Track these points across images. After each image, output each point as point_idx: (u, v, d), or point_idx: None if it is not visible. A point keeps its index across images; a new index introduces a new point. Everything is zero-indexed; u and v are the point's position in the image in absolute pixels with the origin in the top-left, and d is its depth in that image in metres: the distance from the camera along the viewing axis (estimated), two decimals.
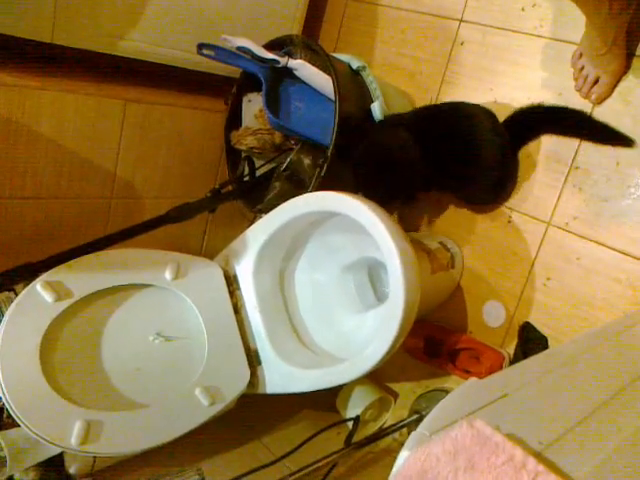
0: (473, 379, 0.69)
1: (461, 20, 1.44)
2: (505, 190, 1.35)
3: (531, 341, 1.29)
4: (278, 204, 1.26)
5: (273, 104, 1.34)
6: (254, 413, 1.42)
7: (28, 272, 1.08)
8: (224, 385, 1.22)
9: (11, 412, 0.97)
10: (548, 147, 1.28)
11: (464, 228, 1.43)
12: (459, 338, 1.39)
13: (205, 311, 1.26)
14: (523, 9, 1.33)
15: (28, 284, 1.06)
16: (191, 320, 1.25)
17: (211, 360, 1.23)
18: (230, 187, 1.42)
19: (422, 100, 1.52)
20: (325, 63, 1.31)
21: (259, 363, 1.30)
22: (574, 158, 1.24)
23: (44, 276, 1.08)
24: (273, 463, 1.22)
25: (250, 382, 1.27)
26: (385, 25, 1.61)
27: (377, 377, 1.53)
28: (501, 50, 1.37)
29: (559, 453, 0.54)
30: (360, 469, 1.35)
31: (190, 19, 1.38)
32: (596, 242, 1.22)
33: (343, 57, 1.40)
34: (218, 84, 1.51)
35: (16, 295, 1.07)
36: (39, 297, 1.06)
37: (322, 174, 1.27)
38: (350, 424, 1.40)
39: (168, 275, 1.23)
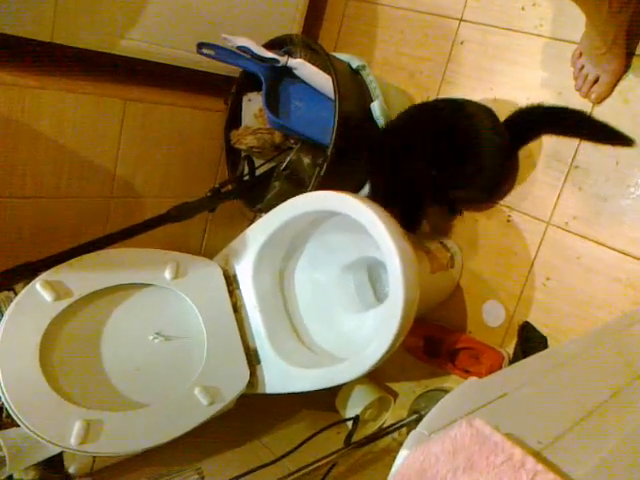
0: (472, 379, 0.69)
1: (461, 19, 1.44)
2: (501, 189, 1.34)
3: (531, 340, 1.29)
4: (278, 203, 1.26)
5: (273, 103, 1.34)
6: (254, 413, 1.42)
7: (28, 271, 1.08)
8: (224, 385, 1.22)
9: (10, 412, 0.97)
10: (548, 146, 1.28)
11: (463, 228, 1.43)
12: (459, 338, 1.39)
13: (205, 311, 1.26)
14: (523, 8, 1.33)
15: (28, 283, 1.06)
16: (191, 320, 1.25)
17: (211, 360, 1.23)
18: (230, 186, 1.42)
19: (422, 99, 1.51)
20: (325, 62, 1.31)
21: (258, 363, 1.30)
22: (574, 157, 1.24)
23: (44, 275, 1.08)
24: (273, 462, 1.22)
25: (250, 382, 1.27)
26: (385, 24, 1.61)
27: (377, 377, 1.53)
28: (501, 49, 1.37)
29: (558, 452, 0.54)
30: (360, 469, 1.35)
31: (190, 18, 1.38)
32: (596, 242, 1.22)
33: (343, 56, 1.40)
34: (218, 83, 1.51)
35: (16, 294, 1.07)
36: (39, 296, 1.06)
37: (322, 173, 1.27)
38: (350, 424, 1.40)
39: (168, 274, 1.23)
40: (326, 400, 1.51)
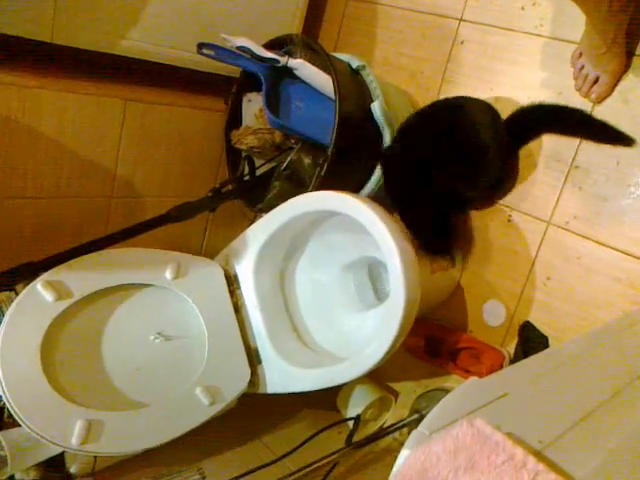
0: (473, 378, 0.69)
1: (461, 19, 1.44)
2: (502, 188, 1.35)
3: (531, 340, 1.29)
4: (278, 203, 1.27)
5: (273, 103, 1.34)
6: (255, 412, 1.42)
7: (29, 272, 1.09)
8: (224, 384, 1.22)
9: (12, 412, 0.97)
10: (548, 146, 1.28)
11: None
12: (459, 337, 1.39)
13: (205, 310, 1.26)
14: (523, 8, 1.33)
15: (29, 284, 1.06)
16: (191, 320, 1.25)
17: (211, 359, 1.23)
18: (230, 186, 1.42)
19: (422, 99, 1.52)
20: (325, 62, 1.31)
21: (259, 362, 1.30)
22: (574, 157, 1.24)
23: (44, 275, 1.08)
24: (274, 462, 1.22)
25: (250, 381, 1.27)
26: (385, 24, 1.61)
27: (378, 376, 1.53)
28: (501, 49, 1.37)
29: (559, 452, 0.54)
30: (361, 468, 1.35)
31: (190, 18, 1.38)
32: (596, 241, 1.22)
33: (343, 56, 1.40)
34: (218, 83, 1.51)
35: (17, 295, 1.07)
36: (40, 297, 1.06)
37: (322, 173, 1.27)
38: (351, 423, 1.40)
39: (168, 275, 1.23)
40: (327, 400, 1.51)
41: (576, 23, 1.20)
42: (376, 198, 1.27)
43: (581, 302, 1.24)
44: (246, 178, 1.46)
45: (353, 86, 1.34)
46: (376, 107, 1.32)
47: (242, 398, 1.27)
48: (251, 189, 1.43)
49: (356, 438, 1.32)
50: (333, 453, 1.16)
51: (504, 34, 1.36)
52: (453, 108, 1.28)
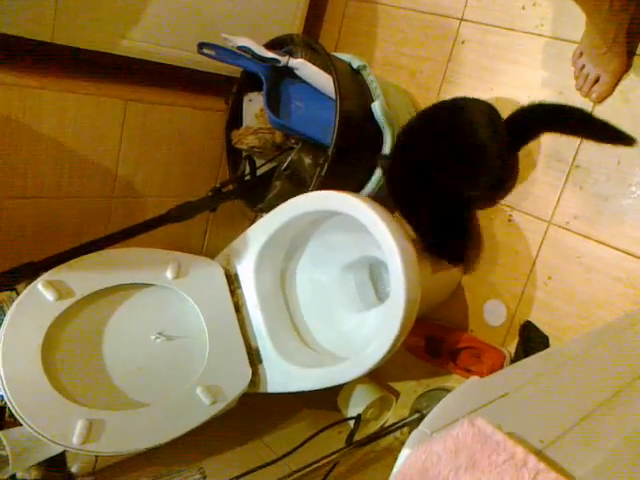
0: (474, 378, 0.69)
1: (462, 19, 1.44)
2: (503, 188, 1.35)
3: (532, 340, 1.29)
4: (279, 203, 1.27)
5: (274, 103, 1.34)
6: (255, 412, 1.42)
7: (30, 271, 1.09)
8: (225, 384, 1.23)
9: (13, 411, 0.97)
10: (549, 146, 1.28)
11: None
12: (460, 337, 1.39)
13: (206, 310, 1.26)
14: (524, 8, 1.33)
15: (30, 283, 1.06)
16: (192, 319, 1.25)
17: (212, 359, 1.23)
18: (231, 186, 1.42)
19: (423, 99, 1.52)
20: (326, 62, 1.31)
21: (260, 362, 1.30)
22: (575, 157, 1.24)
23: (45, 275, 1.08)
24: (274, 462, 1.22)
25: (251, 381, 1.27)
26: (385, 24, 1.61)
27: (378, 376, 1.53)
28: (502, 49, 1.37)
29: (560, 451, 0.54)
30: (361, 468, 1.35)
31: (191, 18, 1.38)
32: (597, 241, 1.22)
33: (344, 56, 1.40)
34: (219, 83, 1.51)
35: (18, 294, 1.07)
36: (41, 296, 1.06)
37: (323, 173, 1.27)
38: (351, 423, 1.40)
39: (169, 274, 1.23)
40: (328, 399, 1.51)
41: (577, 23, 1.20)
42: (377, 198, 1.27)
43: (582, 302, 1.24)
44: (247, 178, 1.46)
45: (354, 86, 1.34)
46: (376, 107, 1.32)
47: (243, 398, 1.27)
48: (251, 189, 1.43)
49: (357, 438, 1.32)
50: (334, 453, 1.16)
51: (505, 34, 1.36)
52: (452, 109, 1.28)
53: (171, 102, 1.44)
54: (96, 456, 1.11)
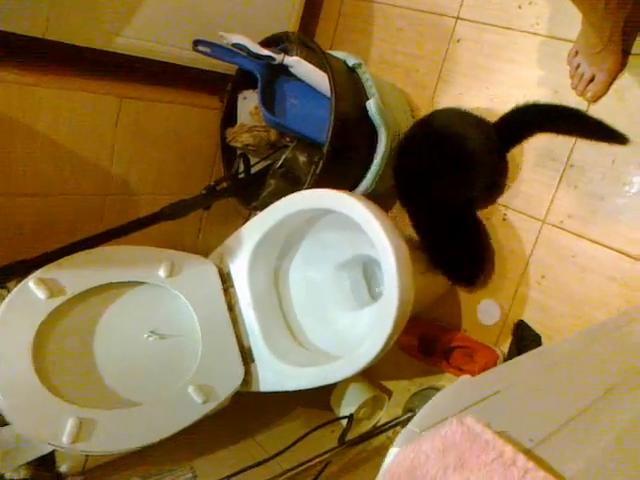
0: (465, 376, 0.68)
1: (457, 18, 1.44)
2: (499, 189, 1.34)
3: (525, 339, 1.29)
4: (273, 201, 1.26)
5: (269, 101, 1.33)
6: (248, 411, 1.42)
7: (21, 269, 1.08)
8: (218, 383, 1.22)
9: (2, 410, 0.97)
10: (543, 145, 1.28)
11: None
12: (453, 336, 1.38)
13: (199, 309, 1.25)
14: (520, 7, 1.33)
15: (21, 281, 1.05)
16: (185, 318, 1.25)
17: (205, 358, 1.23)
18: (225, 184, 1.42)
19: (418, 98, 1.51)
20: (321, 60, 1.30)
21: (253, 361, 1.29)
22: (569, 156, 1.24)
23: (37, 273, 1.07)
24: (266, 461, 1.22)
25: (244, 380, 1.26)
26: (381, 22, 1.60)
27: (371, 375, 1.53)
28: (497, 48, 1.37)
29: (550, 450, 0.54)
30: (353, 467, 1.34)
31: (186, 16, 1.38)
32: (591, 240, 1.21)
33: (339, 54, 1.39)
34: (214, 81, 1.51)
35: (9, 292, 1.06)
36: (32, 294, 1.05)
37: (317, 171, 1.27)
38: (344, 422, 1.39)
39: (162, 272, 1.22)
40: (321, 398, 1.51)
41: (572, 22, 1.20)
42: (371, 196, 1.26)
43: (575, 301, 1.24)
44: (241, 176, 1.45)
45: (349, 84, 1.34)
46: (372, 105, 1.31)
47: (235, 397, 1.27)
48: (246, 187, 1.42)
49: (349, 437, 1.31)
50: (326, 452, 1.16)
51: (501, 32, 1.36)
52: (440, 123, 1.31)
53: (166, 99, 1.44)
54: (86, 455, 1.10)
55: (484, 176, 1.28)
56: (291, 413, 1.50)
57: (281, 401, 1.45)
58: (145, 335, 1.19)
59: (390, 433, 1.35)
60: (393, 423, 1.27)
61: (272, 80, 1.35)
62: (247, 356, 1.29)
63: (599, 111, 1.20)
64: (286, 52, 1.34)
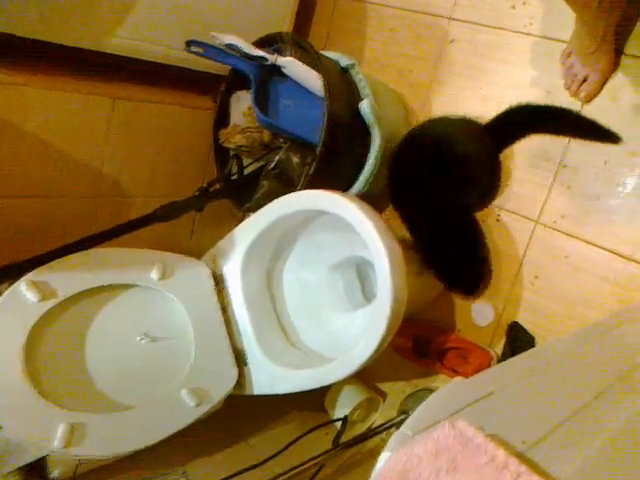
0: (458, 378, 0.68)
1: (451, 18, 1.44)
2: (494, 192, 1.34)
3: (519, 340, 1.28)
4: (266, 203, 1.26)
5: (262, 102, 1.33)
6: (241, 414, 1.41)
7: (12, 272, 1.07)
8: (211, 386, 1.21)
9: None
10: (537, 145, 1.28)
11: None
12: (447, 337, 1.38)
13: (192, 311, 1.25)
14: (513, 7, 1.33)
15: (12, 284, 1.05)
16: (178, 320, 1.24)
17: (198, 360, 1.22)
18: (218, 185, 1.41)
19: (412, 98, 1.51)
20: (314, 61, 1.30)
21: (246, 363, 1.28)
22: (562, 156, 1.24)
23: (29, 276, 1.06)
24: (260, 464, 1.21)
25: (237, 383, 1.25)
26: (375, 23, 1.60)
27: (366, 377, 1.52)
28: (491, 48, 1.37)
29: (543, 453, 0.53)
30: (347, 470, 1.34)
31: (179, 16, 1.37)
32: (584, 241, 1.21)
33: (332, 55, 1.39)
34: (207, 82, 1.50)
35: (0, 295, 1.05)
36: (23, 297, 1.04)
37: (311, 172, 1.26)
38: (339, 424, 1.39)
39: (155, 275, 1.22)
40: (315, 400, 1.50)
41: (566, 22, 1.20)
42: (365, 197, 1.26)
43: (569, 301, 1.24)
44: (234, 177, 1.44)
45: (342, 84, 1.34)
46: (365, 105, 1.31)
47: (228, 399, 1.26)
48: (239, 188, 1.41)
49: (344, 439, 1.31)
50: (320, 455, 1.16)
51: (494, 33, 1.36)
52: (431, 134, 1.31)
53: (158, 100, 1.43)
54: (78, 460, 1.09)
55: (479, 181, 1.28)
56: (285, 416, 1.49)
57: (275, 404, 1.44)
58: (138, 338, 1.18)
59: (384, 435, 1.35)
60: (387, 425, 1.27)
61: (265, 81, 1.35)
62: (240, 358, 1.28)
63: (592, 111, 1.20)
64: (279, 53, 1.34)
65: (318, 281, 1.39)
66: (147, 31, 1.34)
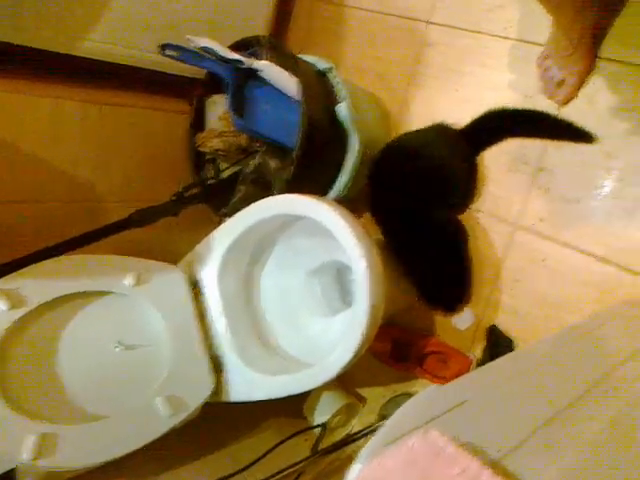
0: (433, 386, 0.67)
1: (429, 22, 1.43)
2: (472, 196, 1.34)
3: (498, 344, 1.28)
4: (243, 207, 1.24)
5: (238, 106, 1.31)
6: (218, 422, 1.38)
7: None
8: (187, 394, 1.19)
9: None
10: (514, 149, 1.27)
11: None
12: (427, 341, 1.37)
13: (168, 318, 1.22)
14: (490, 10, 1.33)
15: None
16: (153, 327, 1.22)
17: (173, 368, 1.19)
18: (194, 190, 1.39)
19: (390, 102, 1.50)
20: (291, 64, 1.29)
21: (223, 370, 1.26)
22: (540, 160, 1.24)
23: None
24: (238, 473, 1.18)
25: (214, 390, 1.23)
26: (353, 27, 1.60)
27: (346, 382, 1.51)
28: (468, 52, 1.37)
29: (518, 461, 0.52)
30: (327, 476, 1.32)
31: (154, 19, 1.36)
32: (562, 244, 1.21)
33: (309, 58, 1.38)
34: (182, 85, 1.48)
35: None
36: None
37: (288, 177, 1.25)
38: (318, 431, 1.37)
39: (129, 281, 1.19)
40: (294, 406, 1.48)
41: (543, 26, 1.20)
42: (343, 201, 1.25)
43: (548, 305, 1.24)
44: (210, 182, 1.43)
45: (319, 88, 1.33)
46: (342, 109, 1.30)
47: (206, 407, 1.23)
48: (215, 193, 1.40)
49: (323, 445, 1.29)
50: (298, 462, 1.14)
51: (472, 36, 1.36)
52: (407, 144, 1.31)
53: (133, 104, 1.41)
54: (48, 472, 1.06)
55: (456, 186, 1.27)
56: (263, 422, 1.46)
57: (253, 410, 1.41)
58: (112, 346, 1.16)
59: (363, 441, 1.33)
60: (367, 431, 1.26)
61: (242, 85, 1.33)
62: (217, 365, 1.26)
63: (569, 114, 1.20)
64: (256, 56, 1.33)
65: (297, 286, 1.38)
66: (121, 34, 1.32)
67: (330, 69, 1.35)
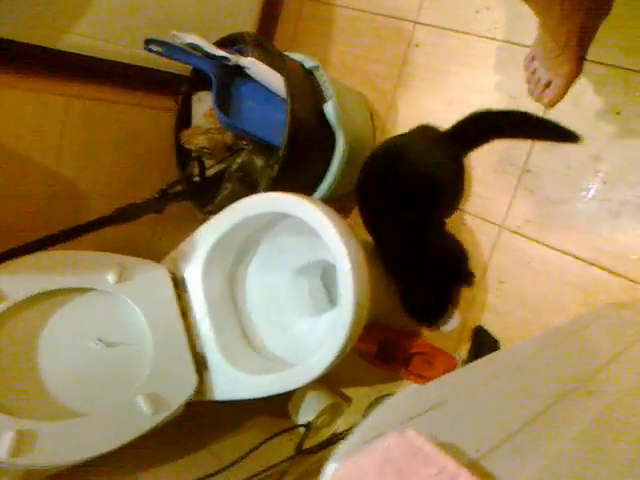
0: (413, 385, 0.66)
1: (416, 22, 1.43)
2: (459, 198, 1.34)
3: (484, 345, 1.28)
4: (228, 205, 1.23)
5: (224, 103, 1.31)
6: (202, 420, 1.37)
7: None
8: (169, 392, 1.18)
9: None
10: (500, 150, 1.27)
11: None
12: (413, 342, 1.37)
13: (150, 316, 1.21)
14: (477, 12, 1.32)
15: None
16: (136, 325, 1.21)
17: (156, 366, 1.18)
18: (179, 187, 1.38)
19: (377, 102, 1.50)
20: (277, 62, 1.28)
21: (207, 369, 1.25)
22: (526, 161, 1.24)
23: None
24: (221, 471, 1.18)
25: (198, 388, 1.22)
26: (341, 26, 1.59)
27: (331, 382, 1.50)
28: (455, 53, 1.36)
29: (497, 461, 0.52)
30: (310, 476, 1.31)
31: (139, 14, 1.34)
32: (548, 246, 1.21)
33: (296, 56, 1.37)
34: (168, 82, 1.46)
35: None
36: None
37: (274, 175, 1.24)
38: (303, 430, 1.37)
39: (111, 278, 1.18)
40: (279, 405, 1.47)
41: (530, 27, 1.20)
42: (328, 201, 1.25)
43: (533, 306, 1.24)
44: (195, 179, 1.42)
45: (306, 86, 1.32)
46: (329, 108, 1.29)
47: (190, 405, 1.22)
48: (200, 190, 1.39)
49: (308, 445, 1.29)
50: (283, 461, 1.13)
51: (459, 37, 1.36)
52: (391, 154, 1.28)
53: (116, 100, 1.40)
54: (27, 470, 1.05)
55: (443, 188, 1.26)
56: (247, 421, 1.45)
57: (237, 409, 1.40)
58: (92, 343, 1.14)
59: None
60: (351, 431, 1.25)
61: (228, 82, 1.33)
62: (201, 364, 1.25)
63: (556, 116, 1.20)
64: (241, 53, 1.32)
65: (282, 285, 1.37)
66: (105, 29, 1.31)
67: (317, 67, 1.35)
